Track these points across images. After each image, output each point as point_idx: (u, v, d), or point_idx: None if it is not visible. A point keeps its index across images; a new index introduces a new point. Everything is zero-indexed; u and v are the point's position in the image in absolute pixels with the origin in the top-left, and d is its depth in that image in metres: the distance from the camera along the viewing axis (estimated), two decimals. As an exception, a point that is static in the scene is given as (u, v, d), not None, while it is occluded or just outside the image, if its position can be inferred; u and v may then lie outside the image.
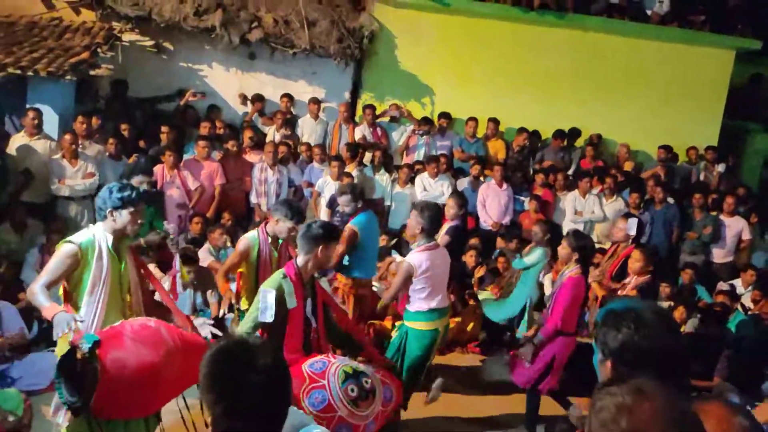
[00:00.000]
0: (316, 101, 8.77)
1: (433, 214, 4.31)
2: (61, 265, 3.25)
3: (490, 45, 9.48)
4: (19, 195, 6.62)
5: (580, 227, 7.59)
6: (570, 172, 8.73)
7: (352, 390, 3.17)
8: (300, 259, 3.50)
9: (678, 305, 6.21)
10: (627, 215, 6.36)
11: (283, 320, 3.33)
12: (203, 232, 6.70)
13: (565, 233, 5.28)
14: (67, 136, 6.65)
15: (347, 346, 3.69)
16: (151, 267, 6.07)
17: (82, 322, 3.03)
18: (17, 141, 6.78)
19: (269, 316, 3.27)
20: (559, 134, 9.05)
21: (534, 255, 5.96)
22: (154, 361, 2.91)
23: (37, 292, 3.17)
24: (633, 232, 5.95)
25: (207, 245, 6.41)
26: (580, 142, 9.33)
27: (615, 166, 9.01)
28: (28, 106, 7.05)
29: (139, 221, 3.43)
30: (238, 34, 8.83)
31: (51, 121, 7.15)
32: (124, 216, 3.34)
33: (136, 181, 5.08)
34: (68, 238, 3.34)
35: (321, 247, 3.45)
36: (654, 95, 9.55)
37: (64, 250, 3.27)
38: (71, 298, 3.32)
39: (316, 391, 3.12)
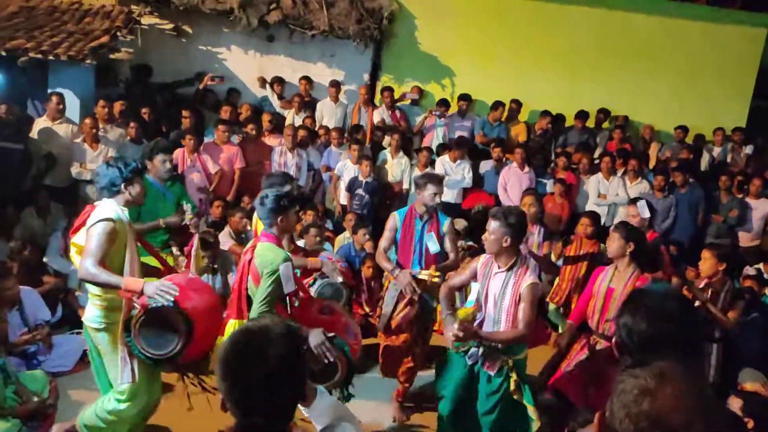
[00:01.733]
0: (336, 84, 8.70)
1: (521, 221, 3.63)
2: (103, 241, 3.35)
3: (512, 25, 9.31)
4: (42, 179, 6.70)
5: (604, 210, 7.47)
6: (596, 154, 8.57)
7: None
8: (272, 230, 3.48)
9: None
10: (634, 200, 5.98)
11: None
12: (224, 216, 6.72)
13: (613, 224, 4.95)
14: (88, 120, 6.68)
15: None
16: (175, 250, 6.14)
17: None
18: (39, 125, 6.83)
19: (292, 285, 3.37)
20: (582, 115, 8.88)
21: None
22: (214, 303, 3.60)
23: (97, 272, 3.30)
24: (647, 215, 5.63)
25: (227, 229, 6.43)
26: (606, 124, 9.16)
27: (642, 150, 8.83)
28: (49, 90, 7.10)
29: (145, 190, 3.74)
30: (257, 15, 8.77)
31: (72, 105, 7.20)
32: (136, 187, 3.61)
33: (157, 160, 5.07)
34: (99, 217, 3.40)
35: (280, 218, 3.45)
36: (681, 75, 9.32)
37: (102, 228, 3.37)
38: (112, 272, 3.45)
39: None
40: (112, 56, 7.43)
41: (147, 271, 3.93)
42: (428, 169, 7.84)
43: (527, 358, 3.83)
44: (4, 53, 6.68)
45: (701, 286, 4.79)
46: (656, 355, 1.72)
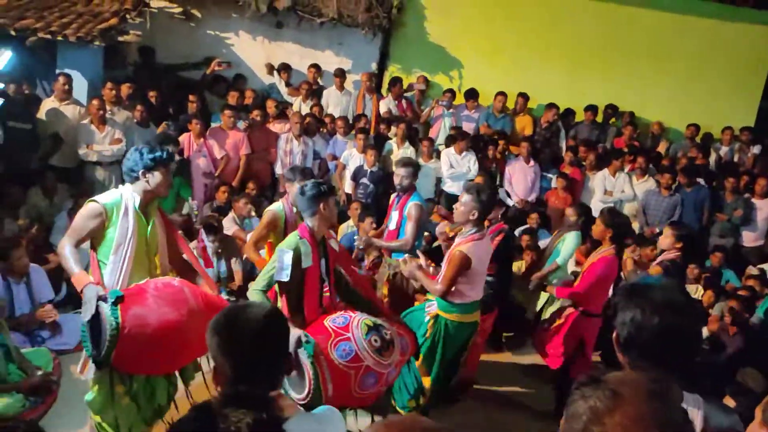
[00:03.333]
0: (341, 73, 8.68)
1: (490, 199, 4.09)
2: (87, 223, 3.27)
3: (520, 18, 9.26)
4: (49, 159, 6.72)
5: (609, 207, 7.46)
6: (605, 150, 8.54)
7: (376, 341, 3.28)
8: (308, 221, 3.52)
9: (706, 289, 6.10)
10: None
11: (301, 280, 3.40)
12: (228, 201, 6.74)
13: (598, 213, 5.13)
14: (95, 102, 6.68)
15: (359, 304, 3.69)
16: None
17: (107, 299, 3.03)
18: (47, 105, 6.84)
19: (285, 276, 3.33)
20: (591, 108, 8.86)
21: (570, 243, 5.66)
22: (175, 319, 3.03)
23: (67, 255, 3.20)
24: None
25: (231, 214, 6.45)
26: (613, 120, 9.13)
27: (650, 147, 8.81)
28: (57, 71, 7.10)
29: (169, 181, 3.49)
30: (266, 1, 8.74)
31: (80, 86, 7.20)
32: (156, 177, 3.39)
33: None
34: (93, 198, 3.37)
35: (322, 204, 3.48)
36: (689, 72, 9.27)
37: (88, 208, 3.30)
38: (98, 259, 3.35)
39: (343, 343, 3.22)
40: (120, 38, 7.42)
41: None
42: (432, 160, 7.85)
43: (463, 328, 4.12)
44: (13, 33, 6.68)
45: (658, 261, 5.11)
46: (661, 353, 1.71)
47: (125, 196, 3.38)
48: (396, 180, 5.03)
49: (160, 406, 3.41)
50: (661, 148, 8.97)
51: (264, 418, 1.26)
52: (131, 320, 2.95)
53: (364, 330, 3.29)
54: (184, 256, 3.71)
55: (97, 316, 3.00)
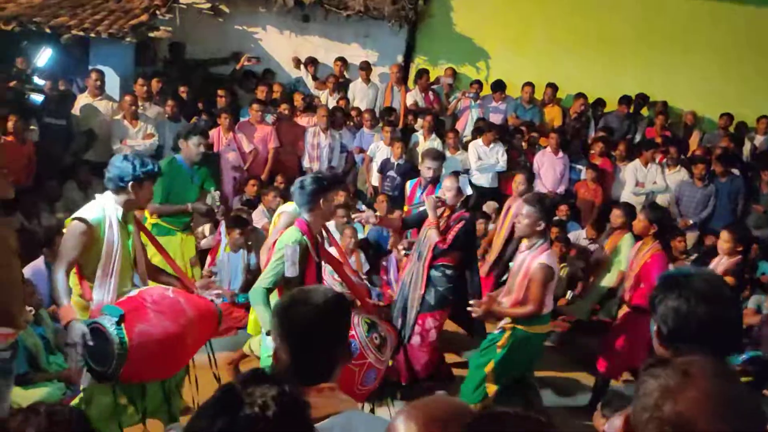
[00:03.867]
0: (366, 66, 8.69)
1: (551, 205, 4.07)
2: (75, 243, 3.16)
3: (548, 7, 9.14)
4: (83, 154, 6.87)
5: (641, 199, 7.33)
6: (636, 140, 8.41)
7: (376, 338, 3.32)
8: (306, 216, 3.48)
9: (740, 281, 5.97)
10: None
11: (302, 276, 3.41)
12: (258, 194, 6.81)
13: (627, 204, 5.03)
14: (128, 98, 6.81)
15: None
16: (207, 228, 6.26)
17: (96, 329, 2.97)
18: (81, 101, 7.00)
19: (294, 271, 3.32)
20: (624, 100, 8.70)
21: (626, 246, 5.36)
22: (176, 332, 3.08)
23: (58, 284, 3.10)
24: (468, 191, 4.93)
25: (261, 207, 6.52)
26: (644, 110, 8.98)
27: (682, 137, 8.64)
28: (90, 67, 7.25)
29: (152, 194, 3.48)
30: (293, -4, 8.79)
31: (112, 82, 7.34)
32: (144, 189, 3.32)
33: (193, 142, 5.11)
34: (76, 215, 3.22)
35: (321, 199, 3.46)
36: (723, 60, 9.03)
37: (73, 228, 3.17)
38: (84, 275, 3.27)
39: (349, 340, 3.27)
40: (150, 34, 7.56)
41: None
42: (459, 152, 7.83)
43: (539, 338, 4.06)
44: (48, 30, 6.84)
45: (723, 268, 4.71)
46: (706, 343, 1.65)
47: (107, 209, 3.25)
48: (424, 171, 5.05)
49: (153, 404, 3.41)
50: (694, 138, 8.78)
51: (287, 391, 1.29)
52: (136, 338, 2.95)
53: (365, 328, 3.31)
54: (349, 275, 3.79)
55: (96, 333, 2.96)
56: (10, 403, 3.12)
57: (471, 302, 3.80)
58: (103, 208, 3.24)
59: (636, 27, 9.10)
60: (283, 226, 4.24)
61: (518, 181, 5.90)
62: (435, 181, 5.06)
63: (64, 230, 3.25)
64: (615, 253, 5.55)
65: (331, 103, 8.28)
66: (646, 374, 1.25)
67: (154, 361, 3.06)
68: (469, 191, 4.48)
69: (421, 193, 5.11)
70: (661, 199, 7.66)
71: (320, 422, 1.56)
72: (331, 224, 6.42)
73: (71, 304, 3.11)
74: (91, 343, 2.93)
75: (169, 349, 3.09)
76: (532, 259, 3.86)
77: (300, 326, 1.72)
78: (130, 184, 3.25)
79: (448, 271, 4.39)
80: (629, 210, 5.59)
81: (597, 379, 4.70)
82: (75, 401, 3.31)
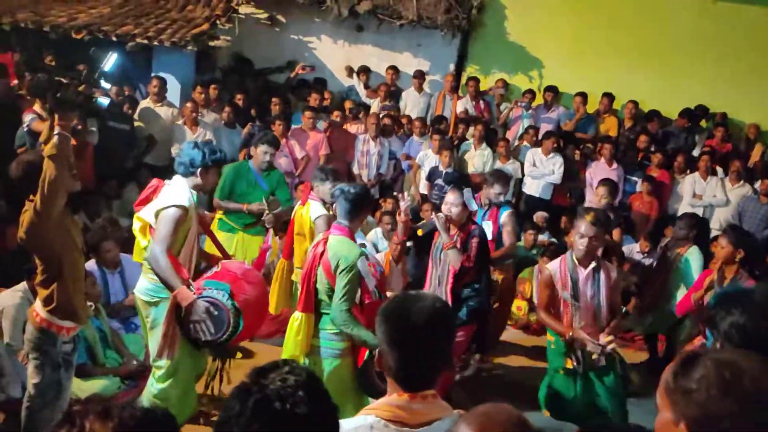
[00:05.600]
0: (420, 74, 8.73)
1: (612, 220, 4.09)
2: (175, 228, 3.36)
3: (604, 16, 8.96)
4: (144, 158, 7.16)
5: (699, 212, 7.07)
6: (696, 153, 8.13)
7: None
8: (345, 222, 3.43)
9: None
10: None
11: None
12: (308, 200, 6.92)
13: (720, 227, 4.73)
14: (189, 105, 7.08)
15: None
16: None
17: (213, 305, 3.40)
18: (143, 106, 7.31)
19: (373, 280, 3.36)
20: (685, 113, 8.45)
21: (696, 263, 5.00)
22: (265, 297, 3.79)
23: (166, 268, 3.28)
24: (473, 207, 4.38)
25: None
26: (704, 123, 8.68)
27: (744, 150, 8.31)
28: (152, 74, 7.56)
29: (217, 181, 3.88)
30: (348, 5, 8.93)
31: (173, 89, 7.64)
32: (210, 177, 3.63)
33: (261, 150, 5.25)
34: (173, 202, 3.38)
35: (365, 212, 3.54)
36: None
37: (173, 215, 3.34)
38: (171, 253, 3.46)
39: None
40: (211, 43, 7.80)
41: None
42: (510, 161, 7.76)
43: None
44: (114, 38, 7.18)
45: None
46: None
47: (188, 196, 3.50)
48: (491, 196, 4.92)
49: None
50: (756, 151, 8.42)
51: (304, 374, 1.34)
52: (242, 306, 3.41)
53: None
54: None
55: (213, 307, 3.37)
56: (70, 393, 3.29)
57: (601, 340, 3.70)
58: (190, 192, 3.52)
59: (697, 36, 8.80)
60: (323, 230, 4.24)
61: (601, 193, 5.59)
62: (500, 204, 4.99)
63: (160, 217, 3.38)
64: (679, 267, 5.10)
65: (382, 112, 8.35)
66: (697, 361, 1.25)
67: (252, 324, 3.58)
68: (474, 207, 4.34)
69: (484, 213, 4.93)
70: (723, 214, 7.38)
71: (424, 428, 1.63)
72: (378, 231, 6.50)
73: (184, 287, 3.36)
74: (214, 314, 3.35)
75: (263, 311, 3.78)
76: (608, 273, 3.80)
77: (412, 333, 1.68)
78: (199, 169, 3.53)
79: (476, 285, 4.28)
80: (694, 222, 5.26)
81: None
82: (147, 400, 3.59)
